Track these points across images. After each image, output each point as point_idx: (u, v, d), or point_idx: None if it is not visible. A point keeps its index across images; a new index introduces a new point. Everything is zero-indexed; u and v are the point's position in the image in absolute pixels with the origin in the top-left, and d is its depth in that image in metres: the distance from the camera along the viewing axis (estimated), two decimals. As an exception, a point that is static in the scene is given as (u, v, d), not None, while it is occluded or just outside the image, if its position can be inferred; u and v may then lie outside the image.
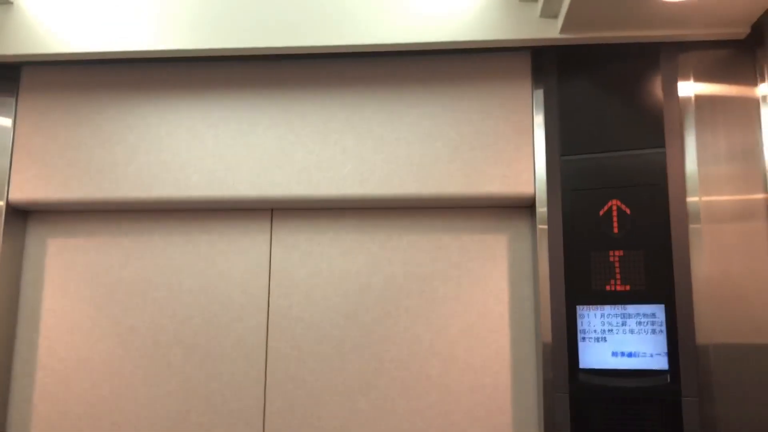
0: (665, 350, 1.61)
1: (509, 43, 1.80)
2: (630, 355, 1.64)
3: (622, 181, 1.71)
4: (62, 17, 1.89)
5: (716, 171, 1.68)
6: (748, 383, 1.57)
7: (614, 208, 1.70)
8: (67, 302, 1.98)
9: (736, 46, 1.74)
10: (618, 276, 1.67)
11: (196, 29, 1.84)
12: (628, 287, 1.66)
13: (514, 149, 1.83)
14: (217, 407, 1.89)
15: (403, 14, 1.80)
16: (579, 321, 1.68)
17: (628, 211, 1.69)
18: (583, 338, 1.67)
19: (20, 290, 2.00)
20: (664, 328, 1.62)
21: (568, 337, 1.68)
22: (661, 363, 1.61)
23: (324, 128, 1.90)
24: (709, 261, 1.63)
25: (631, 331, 1.64)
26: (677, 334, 1.61)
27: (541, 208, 1.76)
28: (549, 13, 1.75)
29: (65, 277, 1.99)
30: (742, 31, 1.71)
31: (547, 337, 1.70)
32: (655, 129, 1.72)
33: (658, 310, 1.63)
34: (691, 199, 1.67)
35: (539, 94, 1.84)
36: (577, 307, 1.68)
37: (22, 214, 2.03)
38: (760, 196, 1.65)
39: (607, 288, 1.67)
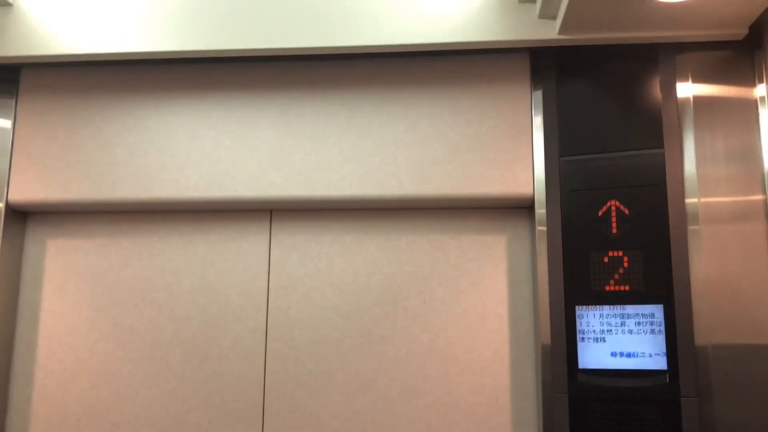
0: (664, 350, 1.61)
1: (508, 44, 1.80)
2: (629, 355, 1.64)
3: (621, 182, 1.71)
4: (62, 19, 1.89)
5: (715, 172, 1.68)
6: (747, 383, 1.57)
7: (613, 208, 1.70)
8: (66, 303, 1.98)
9: (734, 47, 1.74)
10: (617, 276, 1.67)
11: (195, 31, 1.84)
12: (627, 287, 1.66)
13: (513, 150, 1.83)
14: (216, 408, 1.89)
15: (402, 15, 1.81)
16: (578, 321, 1.68)
17: (627, 211, 1.69)
18: (582, 338, 1.67)
19: (19, 291, 2.00)
20: (663, 328, 1.62)
21: (567, 338, 1.68)
22: (660, 363, 1.61)
23: (323, 129, 1.90)
24: (708, 261, 1.64)
25: (630, 332, 1.65)
26: (676, 334, 1.61)
27: (540, 209, 1.77)
28: (547, 14, 1.75)
29: (65, 278, 1.99)
30: (740, 32, 1.71)
31: (546, 337, 1.70)
32: (653, 130, 1.72)
33: (657, 311, 1.63)
34: (690, 199, 1.67)
35: (538, 95, 1.84)
36: (576, 307, 1.68)
37: (21, 215, 2.03)
38: (759, 197, 1.65)
39: (606, 288, 1.67)
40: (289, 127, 1.91)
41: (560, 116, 1.80)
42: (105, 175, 1.92)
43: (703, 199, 1.67)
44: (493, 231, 1.91)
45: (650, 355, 1.62)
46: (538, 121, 1.83)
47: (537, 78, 1.85)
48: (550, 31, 1.76)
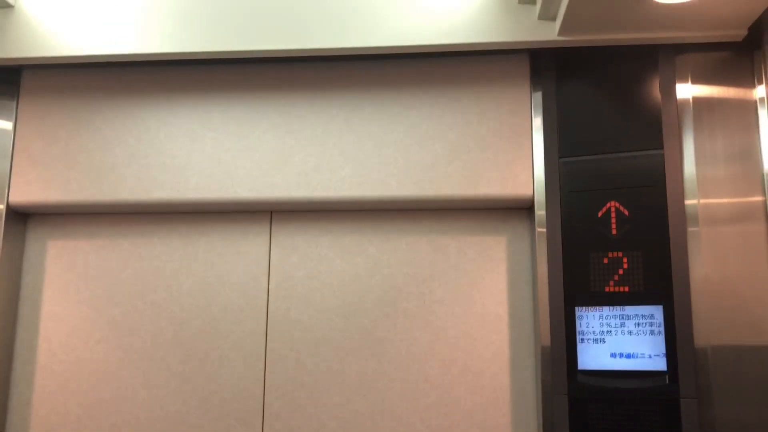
0: (664, 351, 1.61)
1: (507, 46, 1.80)
2: (629, 356, 1.64)
3: (621, 183, 1.71)
4: (63, 20, 1.90)
5: (714, 173, 1.68)
6: (747, 384, 1.57)
7: (613, 209, 1.71)
8: (66, 304, 1.98)
9: (733, 48, 1.74)
10: (616, 277, 1.67)
11: (196, 32, 1.85)
12: (626, 288, 1.66)
13: (513, 151, 1.83)
14: (216, 409, 1.89)
15: (402, 17, 1.81)
16: (578, 322, 1.68)
17: (626, 212, 1.69)
18: (582, 339, 1.67)
19: (20, 292, 2.00)
20: (662, 329, 1.62)
21: (566, 339, 1.68)
22: (659, 364, 1.61)
23: (322, 130, 1.90)
24: (708, 262, 1.64)
25: (630, 333, 1.64)
26: (676, 335, 1.61)
27: (540, 210, 1.77)
28: (547, 15, 1.75)
29: (65, 280, 2.00)
30: (739, 33, 1.71)
31: (546, 338, 1.70)
32: (653, 131, 1.72)
33: (657, 312, 1.63)
34: (690, 200, 1.67)
35: (537, 96, 1.84)
36: (576, 308, 1.68)
37: (22, 217, 2.03)
38: (758, 198, 1.65)
39: (606, 289, 1.67)
40: (289, 128, 1.91)
41: (560, 117, 1.80)
42: (105, 177, 1.93)
43: (702, 200, 1.67)
44: (493, 232, 1.92)
45: (650, 356, 1.62)
46: (537, 122, 1.83)
47: (537, 79, 1.86)
48: (549, 32, 1.77)
